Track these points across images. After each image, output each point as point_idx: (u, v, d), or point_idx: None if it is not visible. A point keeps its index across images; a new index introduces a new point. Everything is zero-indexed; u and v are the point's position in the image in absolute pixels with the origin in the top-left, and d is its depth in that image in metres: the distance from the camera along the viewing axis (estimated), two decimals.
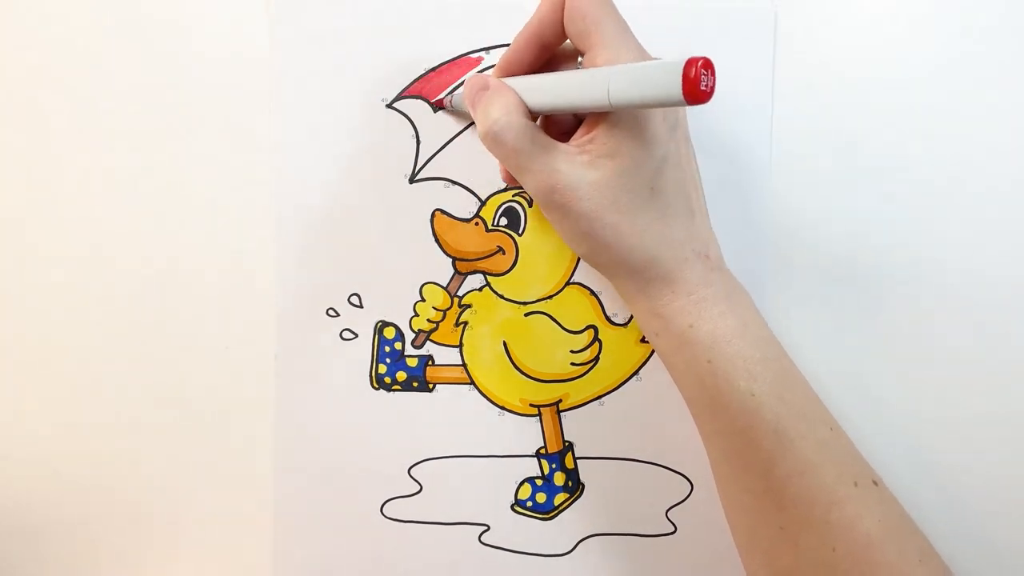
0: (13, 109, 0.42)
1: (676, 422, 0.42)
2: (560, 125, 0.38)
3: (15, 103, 0.42)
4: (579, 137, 0.34)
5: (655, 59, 0.34)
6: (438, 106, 0.42)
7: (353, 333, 0.42)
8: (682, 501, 0.42)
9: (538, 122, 0.38)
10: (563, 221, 0.34)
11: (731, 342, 0.34)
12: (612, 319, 0.42)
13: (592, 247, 0.34)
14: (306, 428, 0.42)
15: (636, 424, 0.42)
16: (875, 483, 0.35)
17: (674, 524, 0.42)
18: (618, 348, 0.42)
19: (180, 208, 0.42)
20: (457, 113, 0.41)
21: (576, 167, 0.33)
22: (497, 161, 0.40)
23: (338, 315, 0.42)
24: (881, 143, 0.41)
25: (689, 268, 0.34)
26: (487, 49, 0.41)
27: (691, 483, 0.42)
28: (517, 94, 0.34)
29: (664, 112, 0.34)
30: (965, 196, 0.41)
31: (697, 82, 0.28)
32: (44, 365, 0.43)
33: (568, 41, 0.35)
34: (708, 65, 0.28)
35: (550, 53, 0.36)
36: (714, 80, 0.28)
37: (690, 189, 0.35)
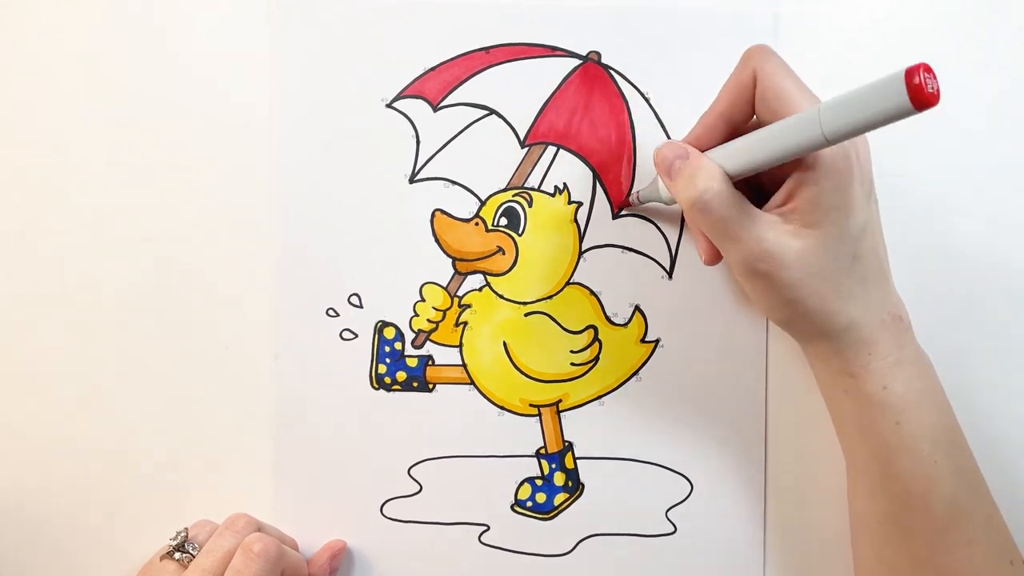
0: (16, 112, 0.42)
1: (676, 422, 0.42)
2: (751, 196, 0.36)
3: (17, 106, 0.42)
4: (779, 204, 0.34)
5: None
6: (624, 206, 0.42)
7: (353, 333, 0.42)
8: (682, 501, 0.42)
9: None
10: (766, 290, 0.34)
11: (920, 407, 0.34)
12: (612, 319, 0.42)
13: (793, 313, 0.35)
14: (306, 428, 0.42)
15: (636, 424, 0.42)
16: (1022, 563, 0.35)
17: (674, 524, 0.42)
18: (618, 348, 0.42)
19: (180, 208, 0.42)
20: (644, 205, 0.41)
21: (782, 235, 0.33)
22: (687, 231, 0.41)
23: (338, 315, 0.42)
24: (881, 144, 0.41)
25: (886, 331, 0.35)
26: (487, 49, 0.41)
27: (691, 483, 0.42)
28: (717, 163, 0.34)
29: (862, 180, 0.34)
30: (967, 196, 0.41)
31: (923, 87, 0.27)
32: (45, 365, 0.43)
33: (755, 119, 0.35)
34: (929, 69, 0.27)
35: (735, 133, 0.36)
36: (938, 83, 0.27)
37: (882, 252, 0.36)
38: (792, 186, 0.33)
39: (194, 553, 0.38)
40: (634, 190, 0.41)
